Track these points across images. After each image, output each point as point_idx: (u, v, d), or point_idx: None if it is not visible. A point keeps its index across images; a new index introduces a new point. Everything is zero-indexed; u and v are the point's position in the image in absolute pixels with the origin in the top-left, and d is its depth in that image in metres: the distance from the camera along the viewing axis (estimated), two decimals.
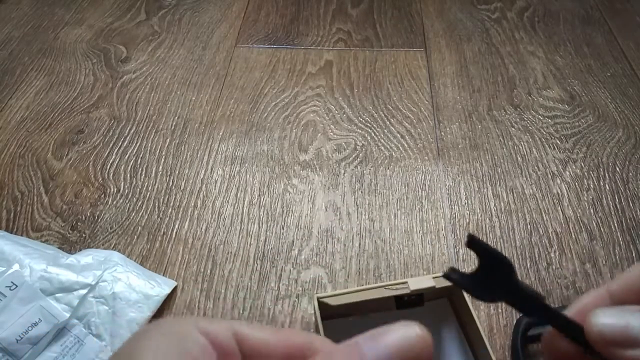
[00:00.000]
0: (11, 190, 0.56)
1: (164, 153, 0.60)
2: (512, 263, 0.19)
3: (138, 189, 0.56)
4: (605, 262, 0.50)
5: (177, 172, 0.58)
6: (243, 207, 0.54)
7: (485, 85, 0.69)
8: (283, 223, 0.53)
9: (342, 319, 0.41)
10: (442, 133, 0.62)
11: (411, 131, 0.62)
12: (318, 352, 0.19)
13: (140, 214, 0.54)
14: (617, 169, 0.58)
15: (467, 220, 0.53)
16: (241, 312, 0.46)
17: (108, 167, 0.58)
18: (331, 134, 0.62)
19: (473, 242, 0.19)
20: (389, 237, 0.52)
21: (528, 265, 0.49)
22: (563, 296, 0.47)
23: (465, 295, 0.40)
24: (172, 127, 0.63)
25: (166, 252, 0.50)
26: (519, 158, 0.59)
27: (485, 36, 0.77)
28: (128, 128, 0.63)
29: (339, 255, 0.50)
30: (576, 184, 0.56)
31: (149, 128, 0.63)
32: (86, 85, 0.68)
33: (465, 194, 0.55)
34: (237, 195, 0.55)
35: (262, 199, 0.55)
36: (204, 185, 0.56)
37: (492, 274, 0.19)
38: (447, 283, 0.39)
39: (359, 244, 0.51)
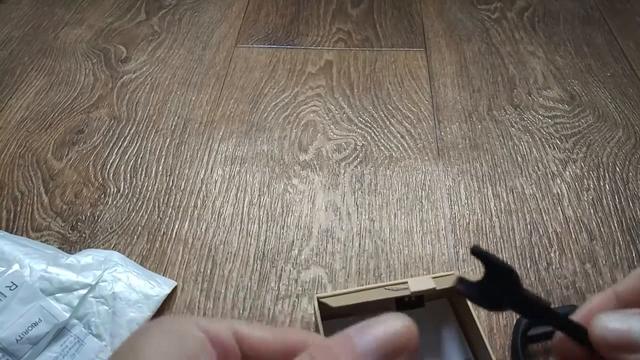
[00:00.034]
0: (11, 190, 0.56)
1: (164, 153, 0.60)
2: (516, 271, 0.20)
3: (138, 189, 0.56)
4: (605, 262, 0.50)
5: (177, 172, 0.58)
6: (243, 207, 0.54)
7: (485, 85, 0.69)
8: (283, 223, 0.53)
9: (342, 319, 0.41)
10: (442, 133, 0.62)
11: (411, 131, 0.62)
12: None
13: (140, 214, 0.54)
14: (617, 169, 0.58)
15: (467, 220, 0.53)
16: (241, 312, 0.46)
17: (108, 167, 0.58)
18: (331, 134, 0.62)
19: (476, 253, 0.20)
20: (389, 237, 0.52)
21: (528, 265, 0.49)
22: (563, 296, 0.47)
23: None
24: (172, 127, 0.63)
25: (166, 252, 0.50)
26: (519, 158, 0.59)
27: (485, 36, 0.77)
28: (128, 128, 0.63)
29: (339, 255, 0.50)
30: (576, 184, 0.56)
31: (149, 128, 0.63)
32: (86, 85, 0.68)
33: (465, 194, 0.55)
34: (237, 195, 0.55)
35: (262, 199, 0.55)
36: (204, 185, 0.56)
37: (498, 282, 0.20)
38: (448, 284, 0.39)
39: (359, 244, 0.51)
